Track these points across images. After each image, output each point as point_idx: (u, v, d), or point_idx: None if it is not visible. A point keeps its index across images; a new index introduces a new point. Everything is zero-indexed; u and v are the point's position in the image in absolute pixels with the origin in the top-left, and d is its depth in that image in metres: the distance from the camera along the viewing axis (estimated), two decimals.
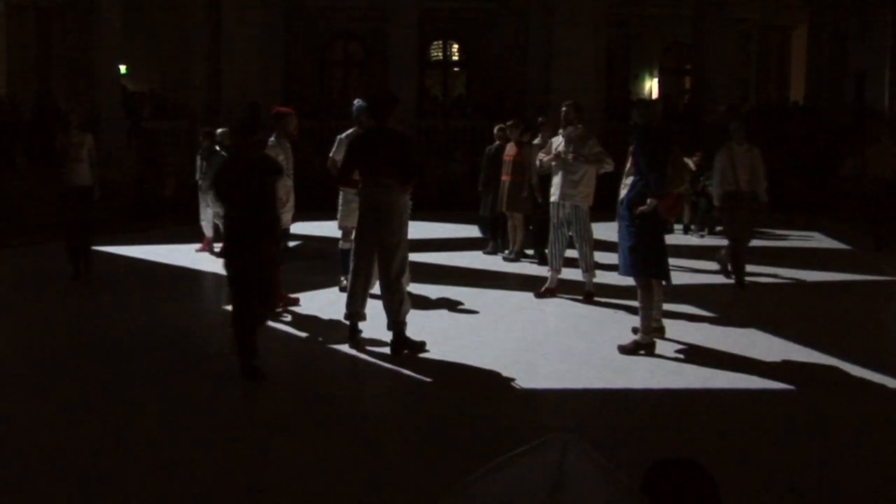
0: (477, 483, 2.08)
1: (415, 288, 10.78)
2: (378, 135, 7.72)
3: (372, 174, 7.66)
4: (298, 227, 14.70)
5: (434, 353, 7.78)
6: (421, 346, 7.83)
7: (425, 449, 5.71)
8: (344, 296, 8.27)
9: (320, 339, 8.36)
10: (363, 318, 8.03)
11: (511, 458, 2.12)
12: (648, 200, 7.58)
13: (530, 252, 12.67)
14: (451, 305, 9.91)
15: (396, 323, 7.73)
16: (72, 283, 11.06)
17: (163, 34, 25.78)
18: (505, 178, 12.35)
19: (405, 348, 7.72)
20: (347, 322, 8.06)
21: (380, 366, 7.51)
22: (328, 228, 14.55)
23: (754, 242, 15.28)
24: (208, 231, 13.67)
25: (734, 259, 11.17)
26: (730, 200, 10.98)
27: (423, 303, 9.89)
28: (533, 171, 11.70)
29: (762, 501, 4.97)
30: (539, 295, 10.20)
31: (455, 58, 31.13)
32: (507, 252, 12.94)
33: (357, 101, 9.56)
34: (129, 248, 14.03)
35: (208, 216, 13.55)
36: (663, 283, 8.00)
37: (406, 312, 7.81)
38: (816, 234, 16.49)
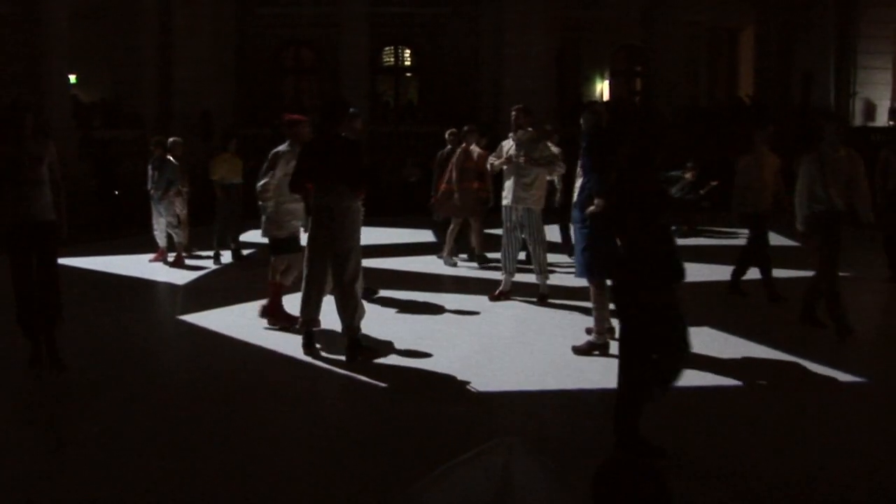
0: (424, 490, 2.10)
1: (386, 295, 10.80)
2: (329, 142, 7.75)
3: (324, 181, 7.70)
4: (250, 236, 14.66)
5: (389, 358, 7.81)
6: (375, 351, 7.85)
7: (379, 454, 5.70)
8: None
9: (276, 346, 8.33)
10: (318, 324, 8.02)
11: (457, 464, 2.14)
12: (595, 201, 7.67)
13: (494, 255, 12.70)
14: (406, 310, 9.92)
15: (350, 328, 7.76)
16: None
17: (113, 42, 25.48)
18: (468, 184, 12.30)
19: (359, 354, 7.74)
20: (303, 329, 8.06)
21: (333, 371, 7.51)
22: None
23: (706, 242, 15.51)
24: (161, 241, 13.54)
25: (828, 300, 8.78)
26: (819, 223, 8.83)
27: (378, 308, 9.89)
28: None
29: (716, 498, 5.03)
30: (493, 298, 10.24)
31: (407, 63, 31.13)
32: (444, 254, 12.96)
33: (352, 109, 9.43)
34: (81, 259, 13.86)
35: (161, 226, 13.42)
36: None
37: (360, 318, 7.83)
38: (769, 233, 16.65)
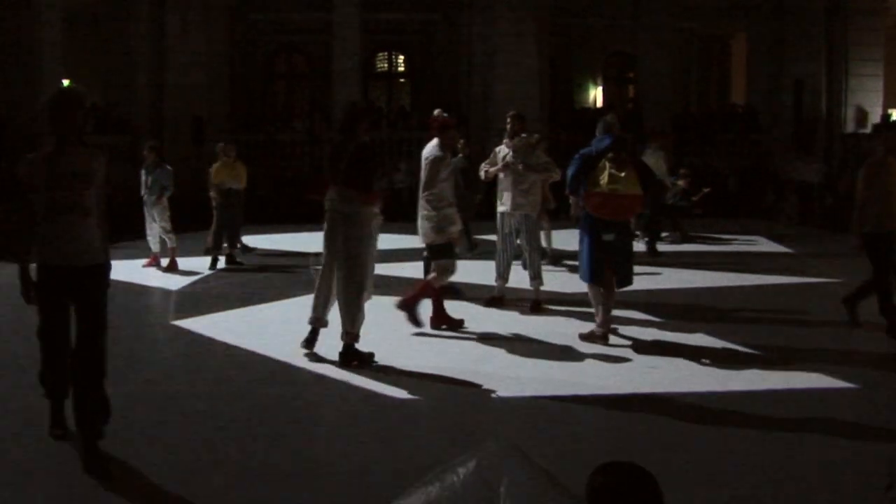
0: (416, 494, 2.11)
1: (375, 300, 10.79)
2: (344, 146, 7.79)
3: (336, 185, 7.74)
4: (250, 241, 14.66)
5: (382, 363, 7.81)
6: (369, 357, 7.85)
7: (369, 459, 5.71)
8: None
9: (269, 351, 8.33)
10: (325, 324, 8.05)
11: (449, 468, 2.15)
12: (571, 200, 7.87)
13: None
14: (398, 316, 9.91)
15: (348, 334, 7.77)
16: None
17: (105, 48, 25.45)
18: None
19: (354, 360, 7.75)
20: (310, 326, 8.07)
21: (326, 377, 7.51)
22: (276, 241, 14.57)
23: (699, 248, 15.56)
24: (155, 246, 13.52)
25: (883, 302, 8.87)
26: (880, 243, 8.78)
27: (370, 313, 9.88)
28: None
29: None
30: (487, 304, 10.25)
31: (400, 69, 31.17)
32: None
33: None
34: None
35: (154, 231, 13.40)
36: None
37: (359, 325, 7.84)
38: (760, 239, 16.74)
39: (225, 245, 13.69)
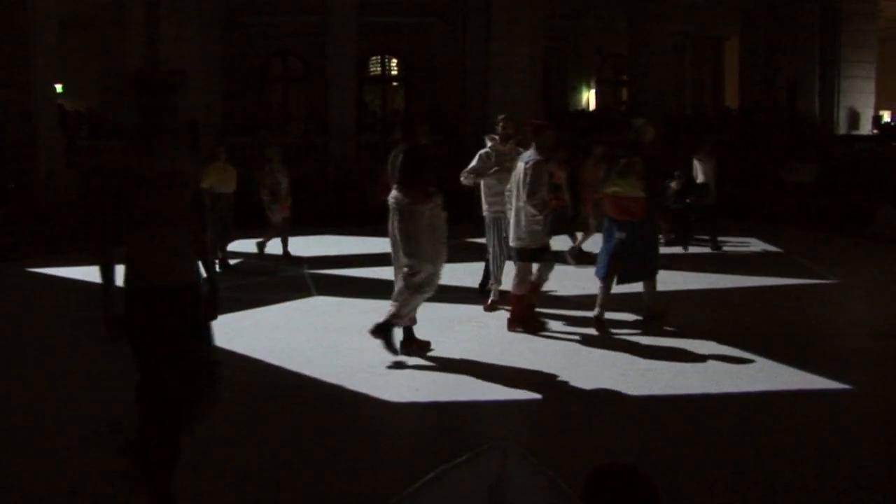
0: (417, 495, 2.12)
1: (359, 303, 10.83)
2: (402, 149, 8.18)
3: (395, 185, 8.16)
4: (239, 245, 14.66)
5: (376, 367, 7.82)
6: (393, 345, 8.14)
7: (370, 460, 5.72)
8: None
9: (261, 355, 8.35)
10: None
11: (451, 468, 2.16)
12: None
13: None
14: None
15: (394, 316, 8.12)
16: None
17: (100, 52, 25.45)
18: None
19: (382, 336, 8.10)
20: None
21: (322, 381, 7.52)
22: (271, 245, 14.54)
23: (694, 250, 15.58)
24: None
25: None
26: None
27: (369, 317, 9.92)
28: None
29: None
30: (489, 308, 10.24)
31: (394, 72, 31.20)
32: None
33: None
34: (66, 269, 13.82)
35: None
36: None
37: (407, 313, 8.18)
38: (753, 240, 16.76)
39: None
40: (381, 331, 8.12)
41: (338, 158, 22.78)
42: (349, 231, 16.86)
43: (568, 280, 11.61)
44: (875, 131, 24.80)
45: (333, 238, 16.28)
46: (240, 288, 11.89)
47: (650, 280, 9.38)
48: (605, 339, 8.84)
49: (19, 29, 19.43)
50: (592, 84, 32.01)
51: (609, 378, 7.55)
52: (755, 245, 16.40)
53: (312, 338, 9.11)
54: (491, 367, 7.89)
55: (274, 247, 14.42)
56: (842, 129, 24.67)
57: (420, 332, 8.80)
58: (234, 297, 11.21)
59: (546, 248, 9.13)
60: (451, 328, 9.47)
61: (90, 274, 12.54)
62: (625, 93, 30.94)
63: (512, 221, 9.17)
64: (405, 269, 8.01)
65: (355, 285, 12.16)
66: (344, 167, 22.39)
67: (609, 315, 9.23)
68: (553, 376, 7.59)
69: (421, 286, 8.03)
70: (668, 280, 12.33)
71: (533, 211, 8.86)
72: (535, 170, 8.85)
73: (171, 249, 4.49)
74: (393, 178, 8.17)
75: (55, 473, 5.57)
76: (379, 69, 30.95)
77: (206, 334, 4.73)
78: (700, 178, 16.16)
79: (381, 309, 10.27)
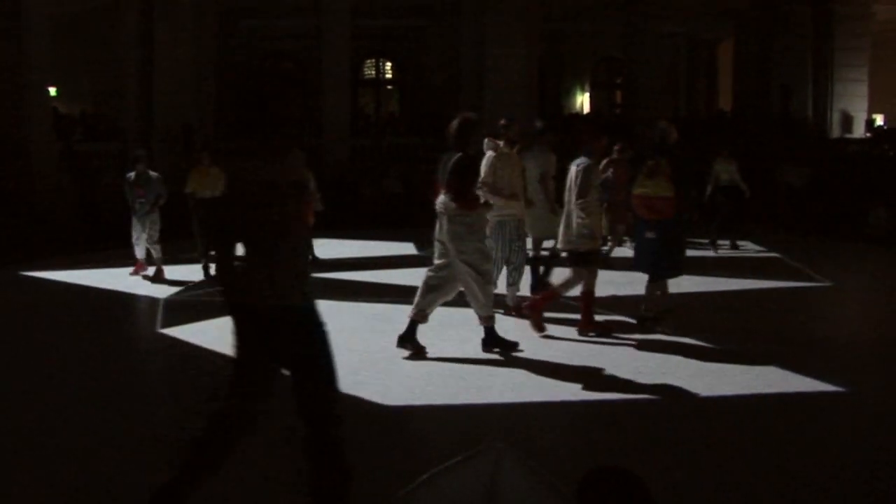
0: (413, 495, 2.13)
1: (353, 306, 10.84)
2: (453, 156, 8.33)
3: (443, 191, 8.39)
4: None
5: (372, 370, 7.83)
6: (510, 345, 8.43)
7: (367, 461, 5.72)
8: None
9: None
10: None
11: (446, 469, 2.17)
12: None
13: None
14: (390, 322, 9.93)
15: (489, 318, 8.39)
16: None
17: (94, 55, 25.47)
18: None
19: (495, 346, 8.40)
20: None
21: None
22: None
23: (688, 252, 15.59)
24: (141, 253, 13.35)
25: None
26: None
27: (361, 321, 9.94)
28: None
29: None
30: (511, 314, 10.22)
31: (388, 75, 31.22)
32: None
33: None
34: (60, 272, 13.80)
35: (142, 239, 13.23)
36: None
37: (489, 309, 8.39)
38: (746, 243, 16.79)
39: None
40: (491, 336, 8.46)
41: (332, 161, 22.79)
42: (343, 234, 16.85)
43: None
44: (868, 134, 24.87)
45: (327, 241, 16.26)
46: None
47: (666, 279, 9.53)
48: (602, 340, 8.86)
49: (13, 32, 19.43)
50: (587, 87, 32.05)
51: (603, 380, 7.56)
52: (749, 248, 16.43)
53: None
54: (488, 370, 7.89)
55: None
56: (835, 132, 24.75)
57: (420, 334, 8.83)
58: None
59: (595, 251, 9.16)
60: (446, 331, 9.47)
61: (83, 278, 12.57)
62: (619, 95, 30.99)
63: (562, 224, 9.29)
64: (472, 272, 8.18)
65: (349, 288, 12.16)
66: (338, 170, 22.40)
67: (608, 316, 9.26)
68: (549, 378, 7.59)
69: (489, 280, 8.37)
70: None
71: (581, 214, 8.91)
72: (585, 173, 8.94)
73: (276, 265, 4.18)
74: (442, 183, 8.36)
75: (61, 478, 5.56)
76: (373, 72, 30.96)
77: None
78: (724, 180, 16.37)
79: (374, 311, 10.31)
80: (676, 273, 9.62)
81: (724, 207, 15.89)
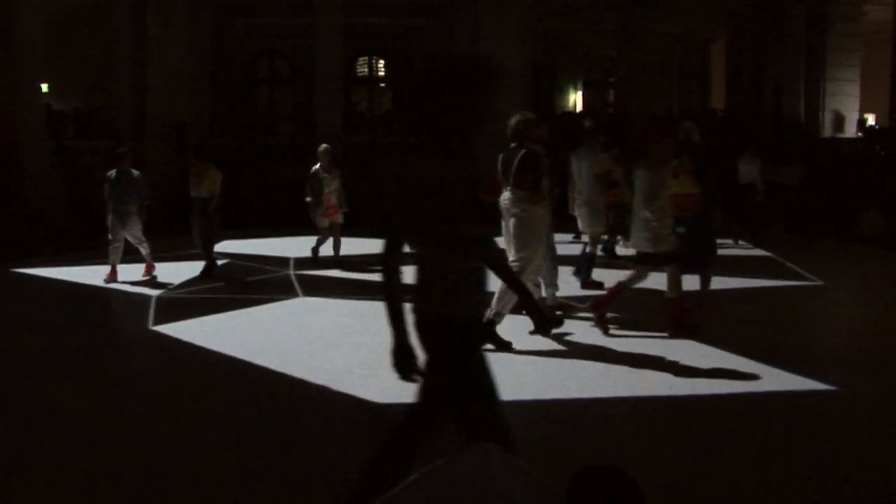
0: (403, 495, 2.13)
1: (346, 304, 10.84)
2: (514, 153, 8.71)
3: (507, 187, 8.73)
4: (226, 245, 14.63)
5: (364, 369, 7.83)
6: (508, 344, 8.45)
7: (350, 464, 5.72)
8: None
9: (244, 356, 8.36)
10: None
11: (434, 469, 2.17)
12: None
13: None
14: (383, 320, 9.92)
15: (493, 314, 8.35)
16: None
17: (87, 52, 25.36)
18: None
19: (496, 345, 8.36)
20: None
21: (308, 382, 7.53)
22: (258, 246, 14.55)
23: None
24: (115, 258, 12.70)
25: None
26: None
27: (356, 318, 9.94)
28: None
29: None
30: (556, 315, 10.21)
31: (381, 73, 31.19)
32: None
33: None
34: (52, 269, 13.77)
35: (119, 241, 12.61)
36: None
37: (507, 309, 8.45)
38: (741, 242, 16.82)
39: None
40: (489, 333, 8.38)
41: None
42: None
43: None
44: (860, 134, 24.93)
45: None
46: (224, 290, 11.89)
47: (707, 274, 9.90)
48: (595, 339, 8.87)
49: (4, 29, 19.37)
50: (580, 86, 32.07)
51: (595, 379, 7.57)
52: (742, 247, 16.46)
53: (299, 339, 9.11)
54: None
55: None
56: (827, 131, 24.80)
57: (410, 332, 8.81)
58: (217, 299, 11.22)
59: (671, 253, 9.14)
60: None
61: (75, 275, 12.53)
62: (612, 94, 31.02)
63: (633, 226, 9.36)
64: (515, 264, 8.34)
65: (342, 286, 12.16)
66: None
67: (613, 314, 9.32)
68: (539, 377, 7.61)
69: (526, 277, 8.48)
70: (657, 281, 12.42)
71: (650, 216, 8.94)
72: (651, 177, 9.00)
73: (464, 271, 3.89)
74: (505, 179, 8.69)
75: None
76: (366, 70, 30.93)
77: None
78: (745, 180, 16.56)
79: (369, 309, 10.32)
80: (707, 265, 9.91)
81: (745, 205, 16.24)
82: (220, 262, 13.94)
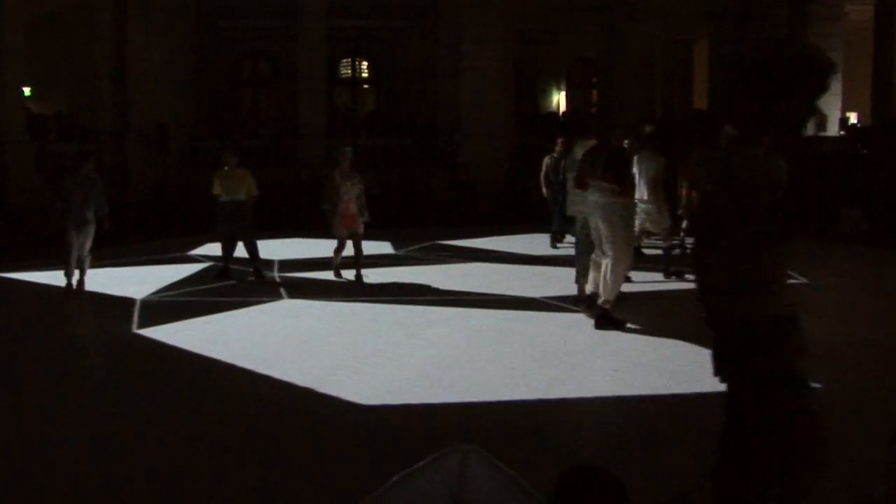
0: (380, 498, 2.13)
1: (331, 306, 10.83)
2: (599, 150, 9.53)
3: (594, 181, 9.30)
4: (210, 248, 14.58)
5: (349, 370, 7.83)
6: (622, 323, 9.23)
7: (335, 462, 5.72)
8: None
9: (236, 358, 8.34)
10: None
11: (413, 472, 2.17)
12: None
13: None
14: (367, 321, 9.94)
15: (606, 301, 9.18)
16: None
17: (69, 55, 25.23)
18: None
19: (609, 325, 9.15)
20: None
21: (293, 384, 7.51)
22: (239, 248, 14.44)
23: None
24: (75, 274, 11.89)
25: None
26: None
27: (341, 320, 9.94)
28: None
29: None
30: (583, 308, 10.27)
31: (364, 75, 31.14)
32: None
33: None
34: (37, 273, 13.68)
35: (77, 253, 11.74)
36: None
37: (615, 295, 9.28)
38: None
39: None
40: (605, 320, 9.17)
41: (308, 161, 22.72)
42: (320, 234, 16.79)
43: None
44: (842, 133, 25.04)
45: (304, 241, 16.22)
46: (208, 293, 11.85)
47: None
48: (595, 338, 8.91)
49: None
50: (562, 86, 32.10)
51: (586, 378, 7.59)
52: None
53: (285, 341, 9.10)
54: (465, 369, 7.89)
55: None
56: (809, 130, 24.89)
57: (396, 334, 8.81)
58: (202, 302, 11.19)
59: None
60: (424, 330, 9.49)
61: (58, 279, 12.46)
62: (595, 95, 31.06)
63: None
64: (609, 257, 9.09)
65: (326, 288, 12.14)
66: (314, 171, 22.32)
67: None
68: (527, 376, 7.61)
69: (625, 269, 9.42)
70: (653, 280, 12.46)
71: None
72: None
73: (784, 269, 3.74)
74: (593, 175, 9.28)
75: None
76: (349, 71, 30.87)
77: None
78: None
79: (354, 311, 10.32)
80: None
81: None
82: (204, 266, 13.92)
